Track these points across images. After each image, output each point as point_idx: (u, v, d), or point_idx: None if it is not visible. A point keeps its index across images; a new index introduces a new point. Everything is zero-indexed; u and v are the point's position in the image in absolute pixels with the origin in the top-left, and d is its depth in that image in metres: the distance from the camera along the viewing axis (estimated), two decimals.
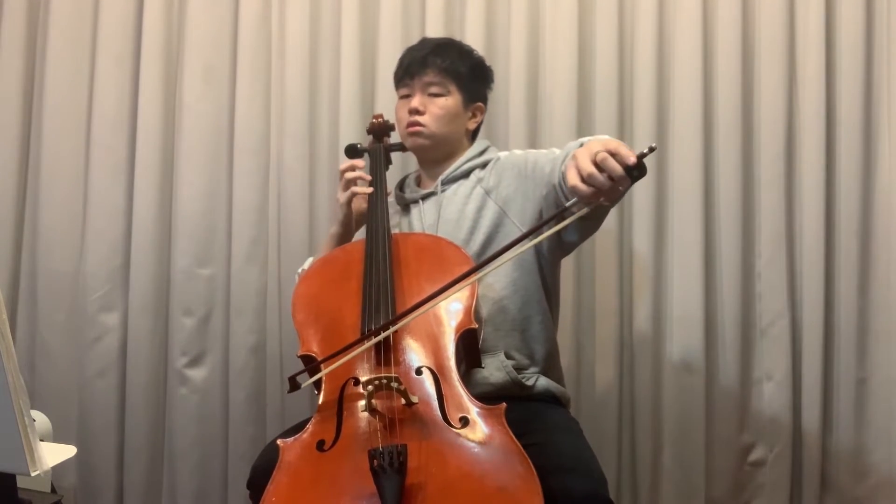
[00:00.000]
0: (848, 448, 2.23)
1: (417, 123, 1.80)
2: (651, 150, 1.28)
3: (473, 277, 1.49)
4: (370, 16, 2.31)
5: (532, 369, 1.73)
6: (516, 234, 1.59)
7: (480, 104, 1.89)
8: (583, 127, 2.28)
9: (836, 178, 2.24)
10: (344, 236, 1.83)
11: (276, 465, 1.35)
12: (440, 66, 1.80)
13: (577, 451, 1.51)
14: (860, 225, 2.22)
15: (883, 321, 2.21)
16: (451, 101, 1.81)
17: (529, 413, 1.59)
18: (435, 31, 2.26)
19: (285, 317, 2.30)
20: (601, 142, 1.37)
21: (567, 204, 1.40)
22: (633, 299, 2.27)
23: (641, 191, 2.25)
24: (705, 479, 2.24)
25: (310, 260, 1.89)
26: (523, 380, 1.69)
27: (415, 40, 2.30)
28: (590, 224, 1.64)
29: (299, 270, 1.90)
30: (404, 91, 1.85)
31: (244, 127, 2.33)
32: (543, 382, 1.72)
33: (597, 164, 1.31)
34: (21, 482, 1.28)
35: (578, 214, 1.37)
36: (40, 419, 1.86)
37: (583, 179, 1.32)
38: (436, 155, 1.85)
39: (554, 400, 1.74)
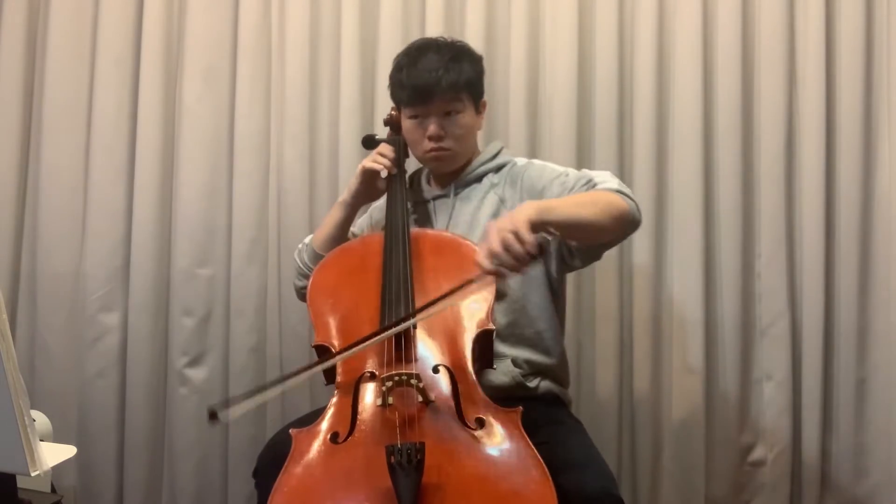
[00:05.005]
0: (848, 448, 2.22)
1: (440, 148, 1.73)
2: (553, 235, 1.40)
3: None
4: (370, 16, 2.31)
5: (538, 377, 1.73)
6: None
7: (484, 99, 1.83)
8: (583, 127, 2.28)
9: (836, 178, 2.23)
10: (351, 205, 1.79)
11: (289, 454, 1.35)
12: (454, 85, 1.69)
13: (586, 450, 1.52)
14: (860, 225, 2.22)
15: (883, 321, 2.21)
16: (467, 115, 1.74)
17: (535, 412, 1.59)
18: (435, 31, 2.25)
19: (285, 317, 2.30)
20: (512, 219, 1.34)
21: (471, 277, 1.37)
22: (633, 299, 2.27)
23: (642, 190, 2.25)
24: (705, 479, 2.24)
25: (310, 237, 1.87)
26: (527, 382, 1.69)
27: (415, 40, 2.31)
28: (594, 253, 1.70)
29: (300, 245, 1.89)
30: (412, 112, 1.74)
31: (244, 127, 2.33)
32: (546, 384, 1.73)
33: (504, 246, 1.31)
34: (21, 482, 1.29)
35: (484, 287, 1.41)
36: (40, 419, 1.86)
37: (490, 257, 1.33)
38: (456, 167, 1.82)
39: (556, 400, 1.74)
